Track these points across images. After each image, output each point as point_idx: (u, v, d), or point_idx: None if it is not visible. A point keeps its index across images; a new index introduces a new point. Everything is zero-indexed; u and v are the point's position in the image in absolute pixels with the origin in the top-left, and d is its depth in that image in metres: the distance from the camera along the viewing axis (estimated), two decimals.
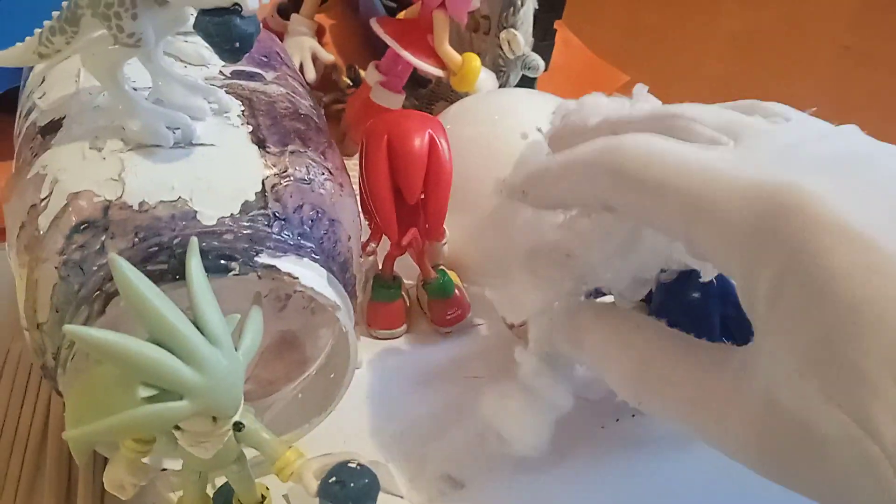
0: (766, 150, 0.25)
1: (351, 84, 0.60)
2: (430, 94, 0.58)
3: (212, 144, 0.31)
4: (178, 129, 0.31)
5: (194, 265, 0.27)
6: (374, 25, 0.52)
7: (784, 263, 0.22)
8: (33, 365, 0.38)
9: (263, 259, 0.29)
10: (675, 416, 0.26)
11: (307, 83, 0.56)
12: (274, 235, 0.30)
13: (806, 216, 0.22)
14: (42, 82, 0.35)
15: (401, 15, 0.60)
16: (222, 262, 0.28)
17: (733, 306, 0.35)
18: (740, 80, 0.78)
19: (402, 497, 0.34)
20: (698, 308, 0.35)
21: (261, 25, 0.28)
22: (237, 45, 0.27)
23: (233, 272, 0.28)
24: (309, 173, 0.32)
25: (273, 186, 0.30)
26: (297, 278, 0.29)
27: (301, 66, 0.57)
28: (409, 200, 0.37)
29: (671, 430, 0.37)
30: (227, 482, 0.30)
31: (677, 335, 0.28)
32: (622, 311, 0.31)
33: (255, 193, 0.30)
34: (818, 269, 0.21)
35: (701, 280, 0.34)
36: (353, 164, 0.39)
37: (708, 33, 0.92)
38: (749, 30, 0.94)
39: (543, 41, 0.57)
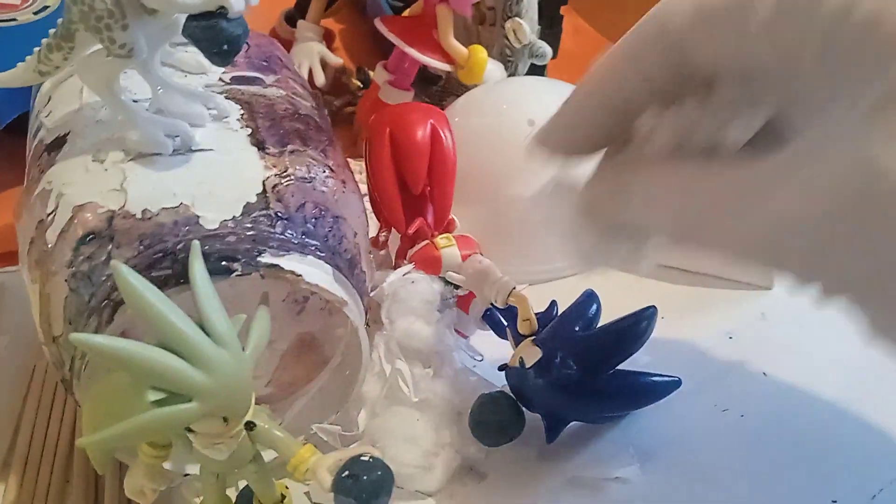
0: None
1: (361, 86, 0.60)
2: (441, 91, 0.58)
3: (211, 149, 0.31)
4: (178, 136, 0.31)
5: (197, 268, 0.27)
6: (379, 25, 0.52)
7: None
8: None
9: (266, 259, 0.29)
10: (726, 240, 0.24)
11: (318, 88, 0.57)
12: (277, 235, 0.30)
13: None
14: (48, 101, 0.36)
15: (406, 13, 0.60)
16: (224, 263, 0.28)
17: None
18: None
19: (432, 495, 0.34)
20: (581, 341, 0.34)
21: (248, 28, 0.29)
22: (225, 47, 0.28)
23: (235, 273, 0.28)
24: (310, 172, 0.32)
25: (274, 187, 0.31)
26: (301, 276, 0.29)
27: (311, 71, 0.57)
28: (413, 190, 0.37)
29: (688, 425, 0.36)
30: (248, 485, 0.30)
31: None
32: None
33: (257, 195, 0.30)
34: None
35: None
36: (363, 166, 0.39)
37: None
38: None
39: (550, 28, 0.56)
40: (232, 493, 0.31)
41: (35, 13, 0.51)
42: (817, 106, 0.23)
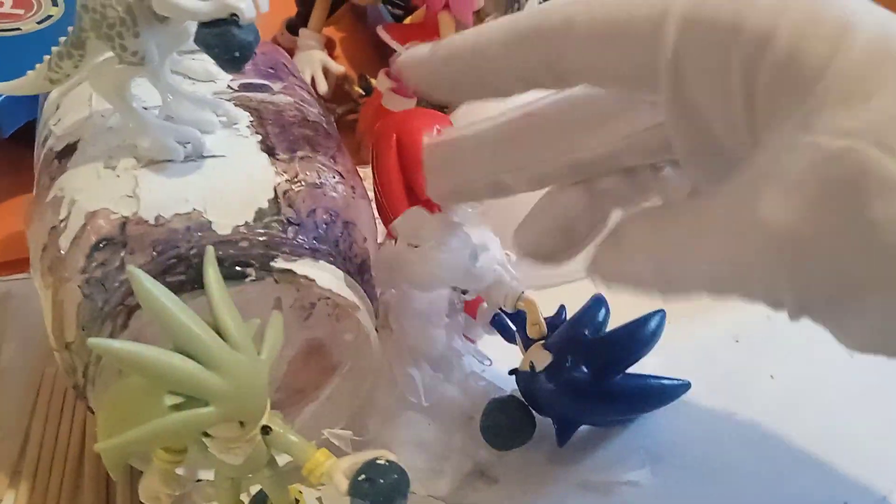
0: None
1: (363, 93, 0.61)
2: None
3: (222, 156, 0.31)
4: (189, 143, 0.31)
5: (211, 273, 0.27)
6: (381, 32, 0.52)
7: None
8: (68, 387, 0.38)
9: (279, 264, 0.29)
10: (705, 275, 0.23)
11: (320, 96, 0.57)
12: (289, 241, 0.30)
13: None
14: (57, 109, 0.36)
15: (407, 20, 0.60)
16: (238, 268, 0.28)
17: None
18: None
19: (443, 500, 0.34)
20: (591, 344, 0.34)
21: (260, 35, 0.29)
22: (237, 54, 0.28)
23: (249, 278, 0.28)
24: (320, 177, 0.32)
25: (285, 192, 0.31)
26: (314, 280, 0.29)
27: (313, 79, 0.57)
28: (421, 196, 0.38)
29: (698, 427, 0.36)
30: (261, 490, 0.30)
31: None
32: None
33: (268, 200, 0.30)
34: None
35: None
36: (368, 173, 0.39)
37: None
38: None
39: None
40: (244, 498, 0.31)
41: (38, 23, 0.51)
42: (743, 126, 0.23)
